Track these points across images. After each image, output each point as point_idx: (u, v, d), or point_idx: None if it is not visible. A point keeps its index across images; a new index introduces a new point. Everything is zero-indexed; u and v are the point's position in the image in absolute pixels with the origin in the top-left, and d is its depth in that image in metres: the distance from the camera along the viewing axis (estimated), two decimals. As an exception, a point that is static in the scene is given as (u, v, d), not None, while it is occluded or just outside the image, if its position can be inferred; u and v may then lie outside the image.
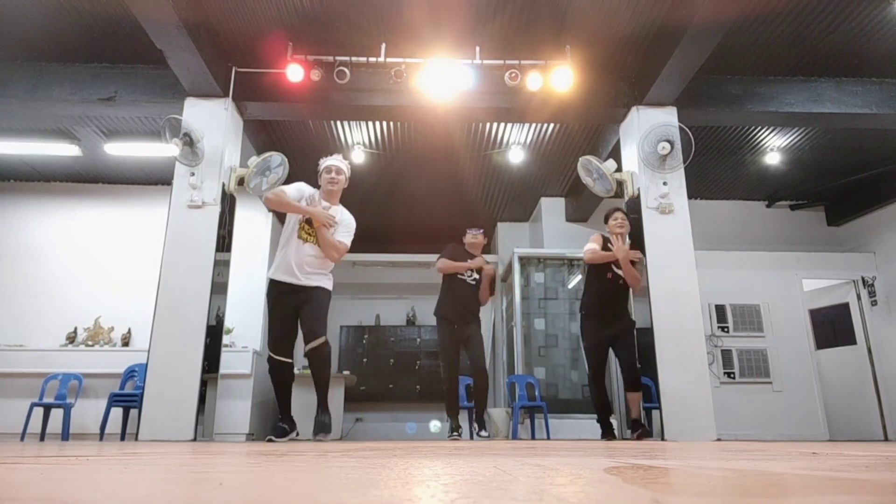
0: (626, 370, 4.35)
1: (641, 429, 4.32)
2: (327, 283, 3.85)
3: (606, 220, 4.61)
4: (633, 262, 4.40)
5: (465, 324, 4.68)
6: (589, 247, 4.51)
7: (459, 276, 4.74)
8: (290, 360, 3.75)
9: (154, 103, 4.87)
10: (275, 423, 3.87)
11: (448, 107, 4.97)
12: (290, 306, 3.73)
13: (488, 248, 8.68)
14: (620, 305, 4.48)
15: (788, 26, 4.51)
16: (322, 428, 3.68)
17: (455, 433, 4.60)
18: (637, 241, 4.76)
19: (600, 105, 5.08)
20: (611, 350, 4.50)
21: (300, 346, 3.77)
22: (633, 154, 4.95)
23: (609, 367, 5.58)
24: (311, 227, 3.78)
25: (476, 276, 4.78)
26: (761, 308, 6.72)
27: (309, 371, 3.80)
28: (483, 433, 4.62)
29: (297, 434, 3.83)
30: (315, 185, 3.97)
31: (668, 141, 4.70)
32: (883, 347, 6.71)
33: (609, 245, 4.46)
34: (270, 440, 3.69)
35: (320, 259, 3.79)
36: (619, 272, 4.42)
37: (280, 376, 3.74)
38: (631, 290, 4.54)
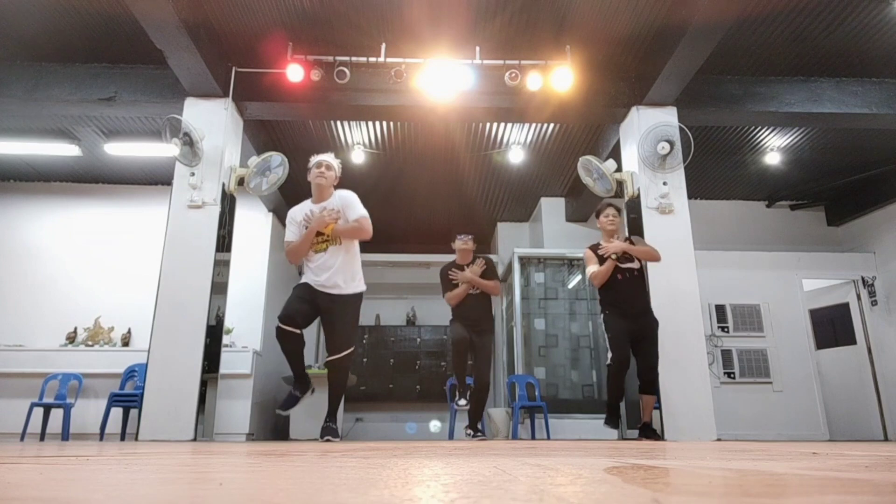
0: (645, 372, 4.23)
1: (653, 435, 4.19)
2: (358, 287, 3.79)
3: (598, 216, 4.49)
4: (632, 243, 4.32)
5: (478, 332, 4.66)
6: (590, 270, 4.37)
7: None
8: (298, 331, 3.63)
9: (154, 103, 4.88)
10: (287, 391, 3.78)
11: (448, 107, 4.97)
12: (315, 298, 3.67)
13: (489, 249, 8.68)
14: (643, 299, 4.35)
15: (788, 26, 4.51)
16: (330, 432, 3.68)
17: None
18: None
19: (600, 105, 5.08)
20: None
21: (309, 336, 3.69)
22: (633, 154, 4.94)
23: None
24: (321, 235, 3.72)
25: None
26: (761, 308, 6.72)
27: (325, 372, 3.77)
28: (478, 435, 4.63)
29: (313, 391, 3.72)
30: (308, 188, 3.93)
31: (668, 141, 4.70)
32: (883, 347, 6.71)
33: (601, 252, 4.34)
34: (279, 414, 3.67)
35: (346, 263, 3.73)
36: (629, 266, 4.30)
37: (287, 343, 3.63)
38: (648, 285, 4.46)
